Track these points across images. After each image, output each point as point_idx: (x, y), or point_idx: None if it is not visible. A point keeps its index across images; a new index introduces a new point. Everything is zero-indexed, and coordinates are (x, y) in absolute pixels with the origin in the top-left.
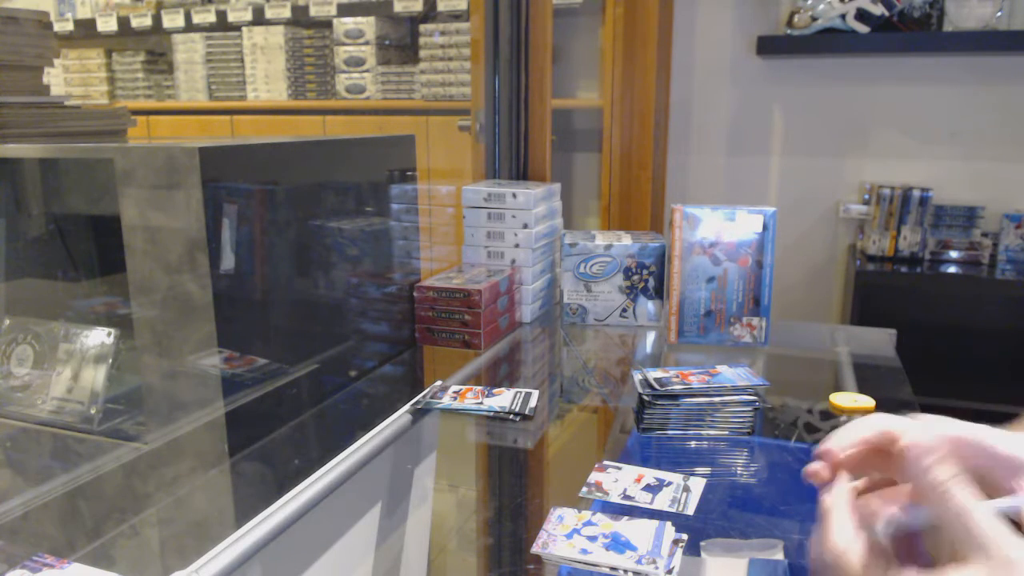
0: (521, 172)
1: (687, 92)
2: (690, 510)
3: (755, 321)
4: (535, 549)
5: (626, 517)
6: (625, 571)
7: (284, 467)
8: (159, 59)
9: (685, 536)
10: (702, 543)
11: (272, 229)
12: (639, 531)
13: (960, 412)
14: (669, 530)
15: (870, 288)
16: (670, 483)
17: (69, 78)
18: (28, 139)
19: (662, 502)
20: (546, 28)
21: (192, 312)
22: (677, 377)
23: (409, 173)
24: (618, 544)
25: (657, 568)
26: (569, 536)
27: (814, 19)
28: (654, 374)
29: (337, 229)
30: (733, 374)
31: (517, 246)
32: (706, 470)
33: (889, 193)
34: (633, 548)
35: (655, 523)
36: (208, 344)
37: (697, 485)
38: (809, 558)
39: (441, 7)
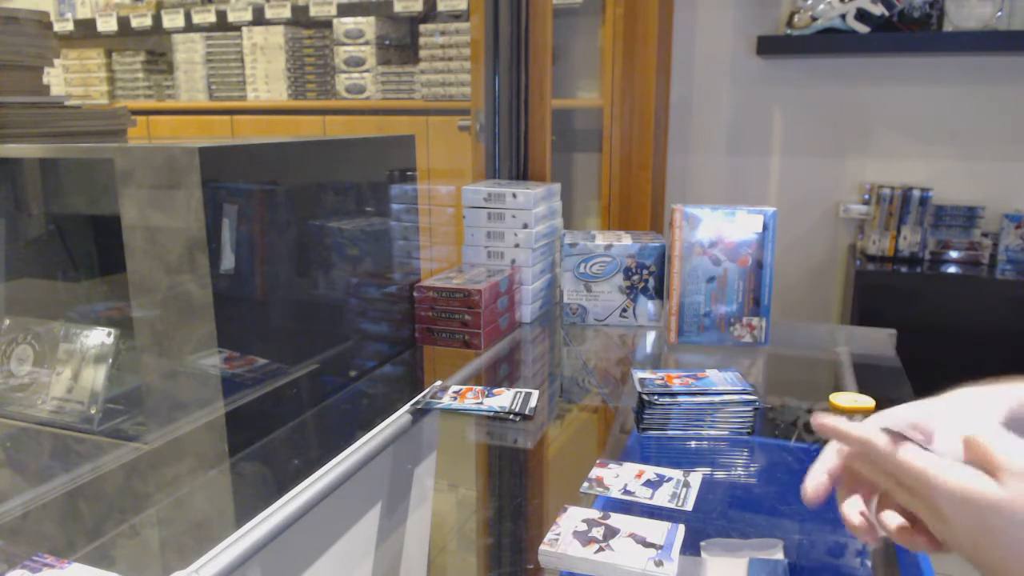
0: (521, 172)
1: (687, 92)
2: (688, 505)
3: (755, 321)
4: (544, 547)
5: (639, 517)
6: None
7: (284, 467)
8: (159, 59)
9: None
10: (702, 543)
11: (272, 229)
12: (653, 531)
13: None
14: (681, 531)
15: (870, 288)
16: (670, 479)
17: (69, 78)
18: (28, 139)
19: (662, 497)
20: (546, 28)
21: (192, 312)
22: (661, 379)
23: (409, 173)
24: (635, 543)
25: (665, 570)
26: (583, 533)
27: (814, 19)
28: (641, 375)
29: (337, 229)
30: (719, 378)
31: (517, 246)
32: (706, 470)
33: (889, 193)
34: (649, 547)
35: (667, 524)
36: (208, 344)
37: (697, 481)
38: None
39: (441, 7)
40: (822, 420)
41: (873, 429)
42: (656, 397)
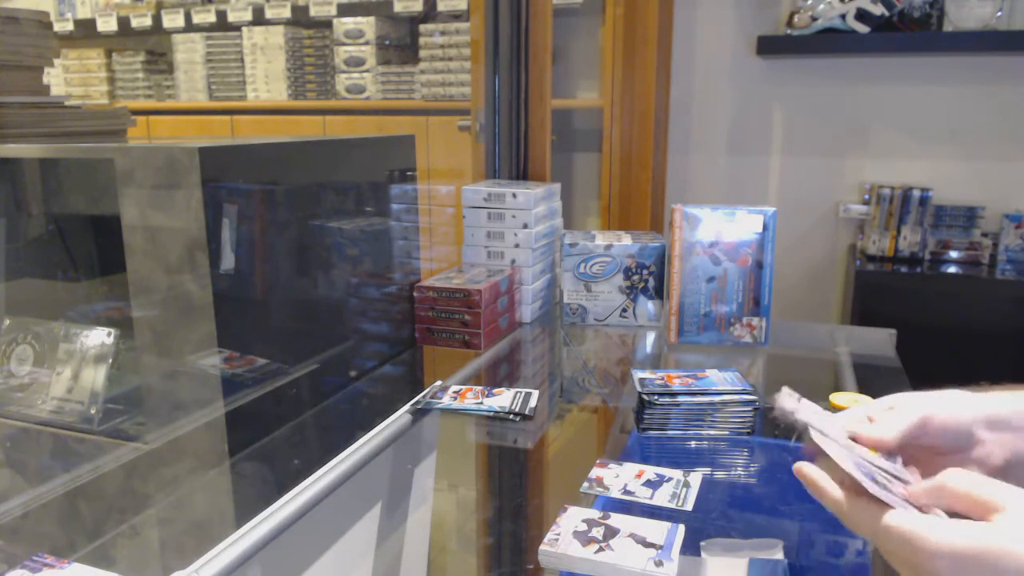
0: (521, 172)
1: (687, 92)
2: (689, 505)
3: (755, 321)
4: (544, 547)
5: (639, 517)
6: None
7: (284, 467)
8: (159, 59)
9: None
10: (702, 543)
11: (272, 229)
12: (653, 531)
13: None
14: (681, 531)
15: (870, 288)
16: (670, 479)
17: (69, 78)
18: (28, 139)
19: (662, 497)
20: (546, 28)
21: (192, 312)
22: (661, 379)
23: (409, 173)
24: (635, 543)
25: (665, 570)
26: (583, 534)
27: (814, 19)
28: (641, 375)
29: (337, 229)
30: (719, 378)
31: (517, 246)
32: (706, 470)
33: (889, 193)
34: (649, 547)
35: (667, 524)
36: (208, 344)
37: (697, 481)
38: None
39: (441, 7)
40: (803, 471)
41: (840, 497)
42: (656, 397)
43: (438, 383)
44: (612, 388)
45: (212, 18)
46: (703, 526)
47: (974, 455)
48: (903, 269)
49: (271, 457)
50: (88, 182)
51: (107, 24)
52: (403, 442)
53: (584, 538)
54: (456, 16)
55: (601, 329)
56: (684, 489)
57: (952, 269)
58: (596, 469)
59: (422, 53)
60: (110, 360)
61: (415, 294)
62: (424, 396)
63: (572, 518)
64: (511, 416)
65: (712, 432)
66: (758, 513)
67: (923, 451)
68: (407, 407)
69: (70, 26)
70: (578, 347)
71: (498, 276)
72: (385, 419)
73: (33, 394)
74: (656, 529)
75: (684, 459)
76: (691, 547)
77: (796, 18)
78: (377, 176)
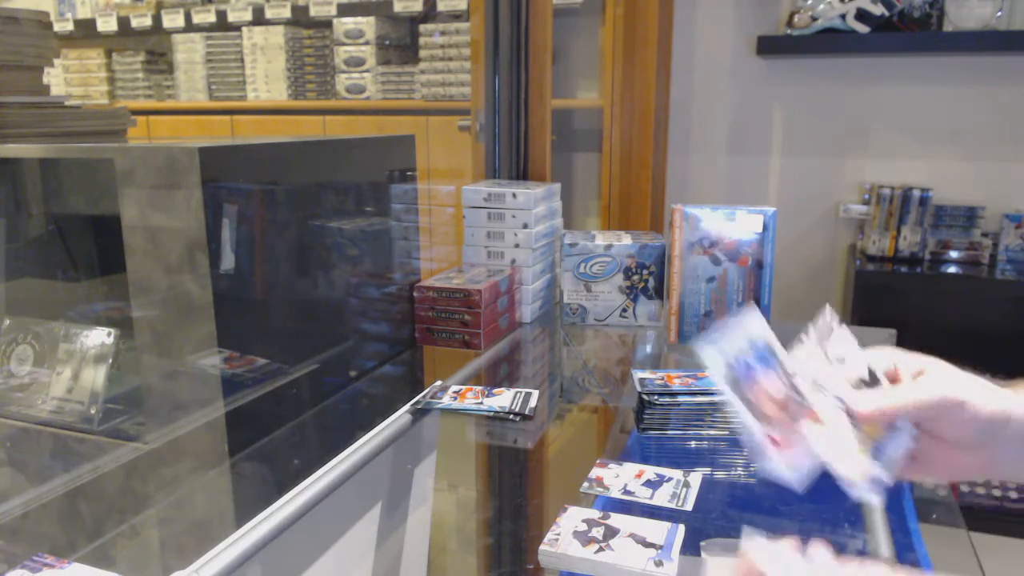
0: (521, 172)
1: (687, 92)
2: (689, 505)
3: None
4: (544, 547)
5: (640, 517)
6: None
7: (284, 467)
8: (159, 59)
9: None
10: (702, 543)
11: (272, 229)
12: (653, 531)
13: None
14: (681, 531)
15: (870, 288)
16: (670, 479)
17: (69, 78)
18: (28, 139)
19: (662, 497)
20: (546, 28)
21: (192, 312)
22: (661, 379)
23: (409, 173)
24: (635, 543)
25: (665, 570)
26: (583, 534)
27: (814, 19)
28: (641, 375)
29: (337, 229)
30: None
31: (517, 246)
32: (706, 470)
33: (889, 193)
34: (649, 547)
35: (667, 524)
36: (208, 344)
37: (697, 481)
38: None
39: (441, 7)
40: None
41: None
42: (656, 397)
43: (438, 383)
44: (612, 388)
45: (212, 18)
46: (703, 526)
47: (996, 456)
48: (903, 269)
49: (271, 457)
50: (88, 182)
51: (107, 24)
52: (403, 442)
53: (584, 538)
54: (456, 16)
55: (601, 329)
56: (684, 489)
57: (952, 269)
58: (596, 469)
59: (422, 53)
60: (110, 360)
61: (415, 294)
62: (424, 396)
63: (572, 518)
64: (511, 416)
65: (712, 432)
66: (758, 513)
67: (934, 441)
68: (407, 407)
69: (70, 26)
70: (578, 347)
71: (498, 276)
72: (385, 419)
73: (33, 394)
74: (656, 529)
75: (684, 459)
76: (691, 547)
77: (796, 18)
78: (377, 176)
